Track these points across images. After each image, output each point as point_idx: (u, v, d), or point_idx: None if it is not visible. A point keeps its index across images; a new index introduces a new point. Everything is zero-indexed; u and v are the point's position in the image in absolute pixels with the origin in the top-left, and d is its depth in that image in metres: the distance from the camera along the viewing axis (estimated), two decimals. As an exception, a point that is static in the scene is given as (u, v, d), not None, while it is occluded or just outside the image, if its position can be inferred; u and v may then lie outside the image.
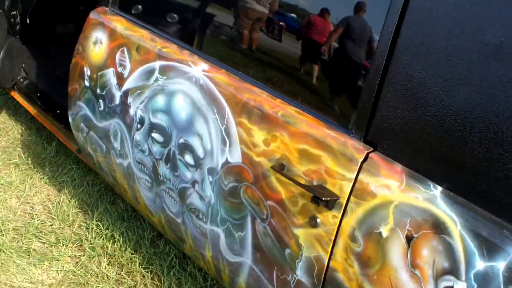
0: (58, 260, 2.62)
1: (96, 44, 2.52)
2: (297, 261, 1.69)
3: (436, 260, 1.38)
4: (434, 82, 1.43)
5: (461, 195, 1.41)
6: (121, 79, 2.36)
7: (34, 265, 2.57)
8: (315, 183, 1.62)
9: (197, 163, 2.00)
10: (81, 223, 2.87)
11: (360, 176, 1.54)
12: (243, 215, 1.86)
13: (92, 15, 2.60)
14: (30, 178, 3.20)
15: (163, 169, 2.18)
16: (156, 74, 2.19)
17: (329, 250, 1.60)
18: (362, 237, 1.52)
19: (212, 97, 1.95)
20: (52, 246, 2.68)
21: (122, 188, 2.57)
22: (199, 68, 2.05)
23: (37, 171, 3.27)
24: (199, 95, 2.00)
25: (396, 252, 1.45)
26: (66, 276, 2.55)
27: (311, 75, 1.87)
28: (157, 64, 2.20)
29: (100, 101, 2.49)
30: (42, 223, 2.83)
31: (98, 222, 2.86)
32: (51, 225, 2.83)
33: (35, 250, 2.64)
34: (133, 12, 2.52)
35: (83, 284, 2.52)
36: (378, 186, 1.50)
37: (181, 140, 2.06)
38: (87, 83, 2.56)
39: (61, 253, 2.64)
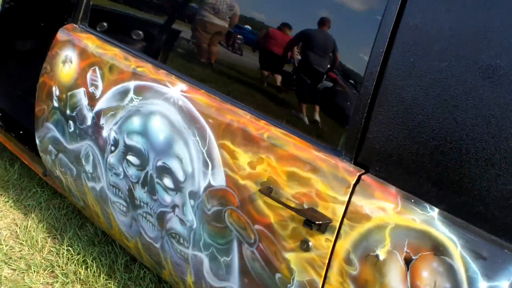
0: (30, 288, 2.49)
1: (65, 63, 2.41)
2: (289, 285, 1.63)
3: (437, 282, 1.34)
4: (428, 103, 1.39)
5: (458, 216, 1.37)
6: (93, 99, 2.26)
7: (5, 293, 2.43)
8: (305, 206, 1.57)
9: (177, 187, 1.92)
10: (51, 249, 2.74)
11: (353, 198, 1.50)
12: (228, 240, 1.79)
13: (61, 33, 2.49)
14: (-6, 202, 3.04)
15: (140, 193, 2.08)
16: (131, 94, 2.10)
17: (323, 274, 1.55)
18: (358, 260, 1.47)
19: (192, 119, 1.88)
20: (23, 273, 2.55)
21: (94, 212, 2.46)
22: (177, 89, 1.97)
23: (1, 194, 3.11)
24: (178, 116, 1.92)
25: (395, 274, 1.41)
26: (38, 305, 2.42)
27: (298, 96, 1.82)
28: (132, 84, 2.11)
29: (70, 122, 2.38)
30: (11, 249, 2.69)
31: (69, 247, 2.74)
32: (20, 250, 2.69)
33: (6, 277, 2.49)
34: (103, 29, 2.42)
35: (56, 313, 2.39)
36: (372, 209, 1.46)
37: (159, 163, 1.97)
38: (56, 104, 2.45)
39: (33, 280, 2.50)
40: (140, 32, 2.43)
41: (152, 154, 2.00)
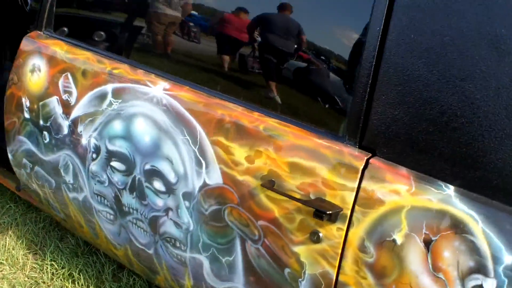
0: (16, 309, 2.33)
1: (33, 72, 2.25)
2: (300, 279, 1.54)
3: (461, 261, 1.28)
4: (433, 79, 1.32)
5: (475, 191, 1.30)
6: (67, 107, 2.11)
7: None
8: (312, 196, 1.48)
9: (169, 189, 1.80)
10: (33, 265, 2.58)
11: (363, 184, 1.41)
12: (230, 239, 1.68)
13: (25, 41, 2.33)
14: (-34, 223, 2.86)
15: (128, 199, 1.96)
16: (109, 98, 1.97)
17: (337, 265, 1.46)
18: (373, 247, 1.39)
19: (179, 117, 1.76)
20: (7, 294, 2.39)
21: (77, 223, 2.31)
22: (159, 87, 1.85)
23: (-28, 215, 2.93)
24: (163, 116, 1.80)
25: (415, 257, 1.33)
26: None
27: (291, 82, 1.72)
28: (109, 87, 1.98)
29: (45, 133, 2.23)
30: (-9, 271, 2.52)
31: (52, 262, 2.59)
32: (1, 271, 2.52)
33: (-11, 300, 2.33)
34: (64, 34, 2.27)
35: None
36: (385, 193, 1.38)
37: (147, 166, 1.85)
38: (27, 115, 2.29)
39: (18, 301, 2.34)
40: (102, 33, 2.29)
41: (139, 157, 1.88)
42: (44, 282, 2.49)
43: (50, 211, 2.53)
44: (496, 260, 1.25)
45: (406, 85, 1.37)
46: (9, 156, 2.48)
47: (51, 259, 2.62)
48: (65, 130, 2.14)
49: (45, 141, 2.25)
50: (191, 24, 1.98)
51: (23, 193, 2.69)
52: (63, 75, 2.15)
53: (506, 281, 1.24)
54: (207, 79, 1.88)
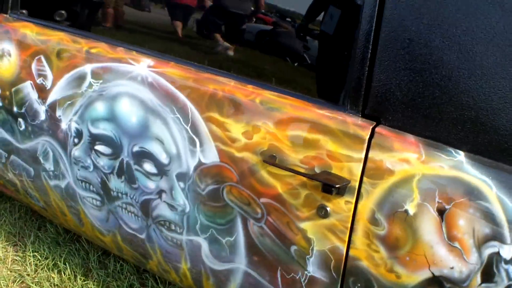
0: (2, 304, 2.24)
1: (2, 58, 2.13)
2: (308, 256, 1.50)
3: (476, 228, 1.25)
4: (438, 42, 1.27)
5: (486, 156, 1.26)
6: (43, 91, 2.01)
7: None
8: (317, 170, 1.43)
9: (161, 171, 1.73)
10: (15, 258, 2.49)
11: (371, 154, 1.37)
12: (230, 218, 1.63)
13: (-9, 25, 2.19)
14: None
15: (116, 183, 1.88)
16: (89, 79, 1.87)
17: (347, 239, 1.43)
18: (385, 218, 1.35)
19: (167, 95, 1.69)
20: (-10, 290, 2.29)
21: (59, 211, 2.22)
22: (143, 65, 1.77)
23: None
24: (150, 95, 1.72)
25: (428, 227, 1.30)
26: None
27: (285, 50, 1.65)
28: (88, 67, 1.88)
29: (20, 120, 2.12)
30: (-30, 267, 2.41)
31: (34, 253, 2.50)
32: (-19, 266, 2.42)
33: (-28, 299, 2.23)
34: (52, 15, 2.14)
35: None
36: (394, 162, 1.34)
37: (136, 148, 1.77)
38: (-1, 103, 2.17)
39: (4, 295, 2.25)
40: (63, 12, 2.16)
41: (126, 140, 1.79)
42: (28, 275, 2.40)
43: (28, 200, 2.42)
44: (512, 225, 1.22)
45: (409, 49, 1.32)
46: (-18, 146, 2.36)
47: (33, 250, 2.53)
48: (42, 116, 2.04)
49: (21, 129, 2.14)
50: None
51: (-4, 184, 2.58)
52: (36, 58, 2.03)
53: (524, 246, 1.21)
54: (193, 53, 1.79)
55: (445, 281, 1.32)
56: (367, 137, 1.39)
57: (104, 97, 1.85)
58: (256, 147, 1.54)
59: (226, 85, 1.63)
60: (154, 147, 1.75)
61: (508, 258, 1.23)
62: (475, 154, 1.30)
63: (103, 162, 1.91)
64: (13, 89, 2.13)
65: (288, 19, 1.66)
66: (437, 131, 1.33)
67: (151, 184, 1.80)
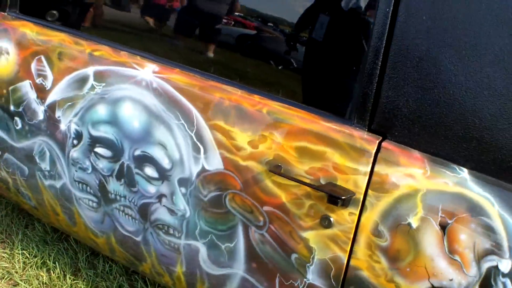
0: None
1: (0, 56, 2.08)
2: (308, 264, 1.51)
3: (476, 243, 1.28)
4: (446, 60, 1.29)
5: (489, 174, 1.29)
6: (42, 91, 1.98)
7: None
8: (322, 181, 1.44)
9: (163, 175, 1.72)
10: (2, 255, 2.45)
11: (376, 168, 1.39)
12: (231, 225, 1.63)
13: (-10, 23, 2.15)
14: None
15: (115, 186, 1.86)
16: (91, 81, 1.86)
17: (348, 249, 1.44)
18: (388, 231, 1.37)
19: (172, 101, 1.68)
20: (-22, 287, 2.25)
21: (51, 211, 2.19)
22: (148, 70, 1.76)
23: None
24: (154, 100, 1.71)
25: (430, 240, 1.33)
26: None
27: (294, 63, 1.66)
28: (91, 70, 1.87)
29: (17, 119, 2.08)
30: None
31: (23, 251, 2.45)
32: (-32, 263, 2.37)
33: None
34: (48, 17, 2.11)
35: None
36: (399, 176, 1.36)
37: (138, 152, 1.76)
38: (-5, 101, 2.13)
39: (-8, 293, 2.22)
40: (55, 12, 2.14)
41: (127, 143, 1.78)
42: (16, 272, 2.37)
43: (18, 199, 2.38)
44: (511, 241, 1.25)
45: (417, 67, 1.34)
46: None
47: (21, 248, 2.49)
48: (41, 116, 2.01)
49: (17, 127, 2.10)
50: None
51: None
52: (36, 58, 2.01)
53: (523, 261, 1.25)
54: (198, 60, 1.79)
55: (444, 293, 1.34)
56: (374, 151, 1.41)
57: (106, 100, 1.84)
58: (261, 156, 1.56)
59: (233, 94, 1.64)
60: (156, 152, 1.74)
61: (506, 271, 1.27)
62: (479, 172, 1.32)
63: (102, 164, 1.89)
64: (10, 88, 2.10)
65: (302, 34, 1.66)
66: (443, 148, 1.35)
67: (152, 188, 1.79)
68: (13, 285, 2.33)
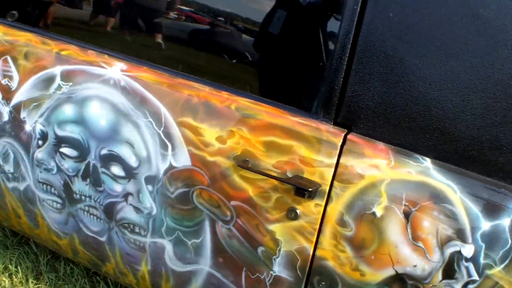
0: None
1: (-35, 57, 2.01)
2: (274, 257, 1.49)
3: (439, 229, 1.29)
4: (411, 53, 1.31)
5: (451, 163, 1.31)
6: (7, 92, 1.92)
7: None
8: (289, 174, 1.43)
9: (130, 174, 1.68)
10: (-39, 262, 2.32)
11: (342, 160, 1.39)
12: (198, 221, 1.60)
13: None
14: None
15: (80, 186, 1.81)
16: (58, 81, 1.81)
17: (314, 240, 1.43)
18: (352, 220, 1.37)
19: (140, 99, 1.65)
20: None
21: (13, 214, 2.11)
22: (116, 69, 1.72)
23: None
24: (122, 98, 1.68)
25: (394, 228, 1.33)
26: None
27: (261, 58, 1.65)
28: (57, 69, 1.82)
29: (-21, 120, 2.00)
30: None
31: (-18, 257, 2.33)
32: None
33: None
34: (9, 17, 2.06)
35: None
36: (364, 167, 1.36)
37: (104, 152, 1.72)
38: (-42, 102, 2.04)
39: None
40: (15, 12, 2.09)
41: (94, 142, 1.73)
42: (-24, 279, 2.25)
43: (-22, 203, 2.28)
44: (473, 227, 1.27)
45: (383, 62, 1.35)
46: None
47: (-20, 254, 2.37)
48: (5, 117, 1.94)
49: (-20, 129, 2.02)
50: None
51: None
52: (2, 58, 1.94)
53: (484, 246, 1.26)
54: (166, 58, 1.76)
55: (408, 278, 1.34)
56: (339, 143, 1.41)
57: (73, 99, 1.79)
58: (229, 152, 1.54)
59: (201, 91, 1.62)
60: (123, 151, 1.70)
61: (468, 256, 1.27)
62: (441, 161, 1.33)
63: (67, 164, 1.84)
64: (-26, 89, 2.01)
65: (271, 30, 1.66)
66: (407, 139, 1.36)
67: (118, 187, 1.74)
68: (-27, 292, 2.22)
